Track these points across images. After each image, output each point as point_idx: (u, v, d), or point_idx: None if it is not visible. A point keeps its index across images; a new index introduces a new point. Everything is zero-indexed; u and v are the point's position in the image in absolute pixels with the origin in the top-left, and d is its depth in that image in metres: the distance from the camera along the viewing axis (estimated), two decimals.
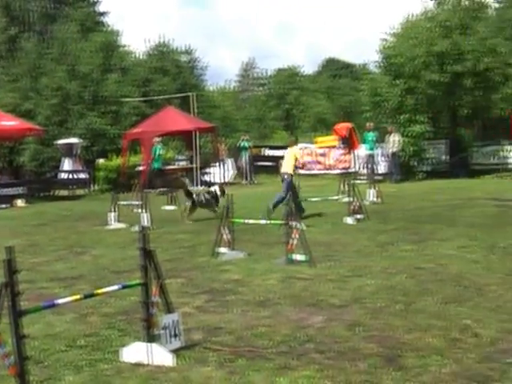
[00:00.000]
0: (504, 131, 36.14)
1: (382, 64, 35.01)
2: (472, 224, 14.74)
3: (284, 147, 37.29)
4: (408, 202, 20.39)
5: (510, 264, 10.17)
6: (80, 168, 32.58)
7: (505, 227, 14.13)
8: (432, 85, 31.90)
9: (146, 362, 6.21)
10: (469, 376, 5.63)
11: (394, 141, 30.40)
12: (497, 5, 40.16)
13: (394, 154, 30.42)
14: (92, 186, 31.55)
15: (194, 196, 18.09)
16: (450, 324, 7.08)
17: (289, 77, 65.74)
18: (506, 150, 33.29)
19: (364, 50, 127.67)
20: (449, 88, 32.56)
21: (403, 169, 31.02)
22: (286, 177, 17.57)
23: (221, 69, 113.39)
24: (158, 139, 29.19)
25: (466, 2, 34.14)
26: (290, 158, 17.85)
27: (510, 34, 34.88)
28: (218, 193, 18.51)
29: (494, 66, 31.98)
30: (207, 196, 18.29)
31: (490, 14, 37.30)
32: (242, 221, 12.63)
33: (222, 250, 11.72)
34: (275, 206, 16.91)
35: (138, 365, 6.18)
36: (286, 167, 17.69)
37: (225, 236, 11.70)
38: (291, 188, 17.17)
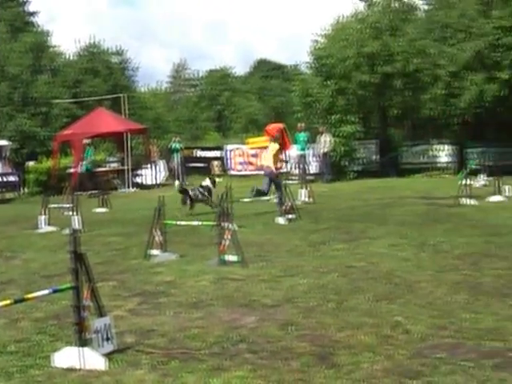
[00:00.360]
0: (433, 131, 36.81)
1: (313, 65, 35.29)
2: (402, 222, 14.97)
3: (216, 148, 37.45)
4: (339, 201, 20.59)
5: (440, 261, 10.35)
6: (9, 171, 31.89)
7: (434, 225, 14.41)
8: (362, 85, 32.29)
9: (78, 367, 6.10)
10: (400, 372, 5.69)
11: (326, 141, 30.66)
12: (426, 7, 40.80)
13: (325, 154, 30.68)
14: (22, 189, 30.96)
15: (190, 192, 18.62)
16: (382, 321, 7.14)
17: (220, 78, 65.71)
18: (435, 150, 33.90)
19: (295, 51, 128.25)
20: (379, 89, 32.99)
21: (334, 169, 31.31)
22: (268, 173, 18.11)
23: (152, 70, 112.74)
24: (88, 141, 28.87)
25: (396, 4, 34.64)
26: (270, 153, 18.35)
27: (438, 35, 35.49)
28: (210, 185, 19.20)
29: (423, 66, 32.55)
30: (201, 190, 18.99)
31: (419, 16, 37.95)
32: (174, 222, 12.56)
33: (154, 252, 11.62)
34: (256, 194, 18.19)
35: (69, 370, 6.07)
36: (267, 162, 18.23)
37: (157, 238, 11.61)
38: (274, 180, 17.87)
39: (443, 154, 33.79)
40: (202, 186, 19.19)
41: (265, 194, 18.14)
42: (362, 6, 35.76)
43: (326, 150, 30.65)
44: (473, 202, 18.72)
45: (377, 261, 10.48)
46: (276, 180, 17.96)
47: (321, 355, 6.19)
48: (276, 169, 18.27)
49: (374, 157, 34.27)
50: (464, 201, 18.73)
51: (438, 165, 33.48)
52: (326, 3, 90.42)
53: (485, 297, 8.04)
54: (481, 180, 25.59)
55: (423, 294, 8.30)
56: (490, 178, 23.65)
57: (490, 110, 32.34)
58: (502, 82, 29.07)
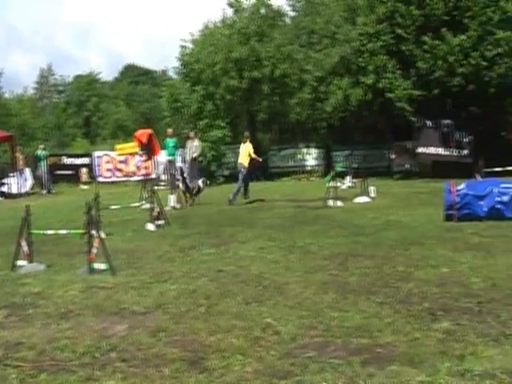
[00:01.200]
0: (300, 134, 37.50)
1: (181, 70, 35.26)
2: (271, 225, 15.14)
3: (84, 155, 36.79)
4: (209, 206, 20.62)
5: (308, 262, 10.50)
6: None
7: (302, 227, 14.63)
8: (231, 90, 32.54)
9: None
10: (271, 373, 5.73)
11: (194, 146, 30.64)
12: (293, 13, 41.58)
13: (194, 159, 30.65)
14: None
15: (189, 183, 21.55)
16: (252, 323, 7.17)
17: (88, 83, 64.81)
18: (303, 153, 34.53)
19: (164, 56, 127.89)
20: (247, 94, 33.33)
21: (203, 174, 31.33)
22: (242, 169, 21.73)
23: (17, 76, 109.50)
24: None
25: (264, 10, 35.05)
26: (245, 152, 21.82)
27: (305, 41, 36.24)
28: (201, 185, 22.06)
29: (290, 72, 33.12)
30: (196, 185, 21.82)
31: (286, 22, 38.59)
32: (41, 232, 12.22)
33: (21, 262, 11.26)
34: (235, 195, 20.99)
35: None
36: (242, 160, 21.86)
37: (24, 248, 11.26)
38: (246, 177, 21.63)
39: (310, 157, 34.51)
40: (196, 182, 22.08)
41: (240, 189, 21.60)
42: (230, 12, 36.09)
43: (194, 155, 30.64)
44: (339, 203, 19.18)
45: (246, 264, 10.53)
46: (245, 176, 21.64)
47: (192, 360, 6.15)
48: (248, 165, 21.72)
49: None
50: (331, 203, 19.16)
51: (306, 168, 34.15)
52: (195, 9, 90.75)
53: (352, 295, 8.22)
54: (347, 182, 26.28)
55: (292, 295, 8.39)
56: (356, 180, 24.32)
57: (355, 114, 33.30)
58: (367, 87, 29.90)
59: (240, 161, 22.22)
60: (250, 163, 22.14)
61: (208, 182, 23.29)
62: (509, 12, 27.55)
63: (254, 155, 22.22)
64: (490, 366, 5.64)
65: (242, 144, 22.70)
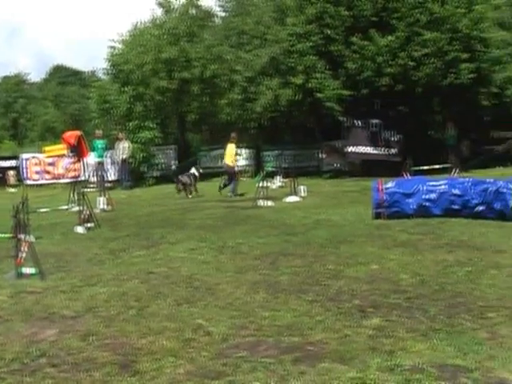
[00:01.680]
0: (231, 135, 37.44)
1: (110, 71, 34.90)
2: (202, 226, 15.10)
3: (11, 157, 36.06)
4: (139, 207, 20.47)
5: (239, 262, 10.52)
6: None
7: (233, 227, 14.64)
8: (160, 91, 32.38)
9: None
10: (203, 373, 5.73)
11: (124, 147, 30.44)
12: (223, 14, 41.56)
13: (124, 160, 30.46)
14: None
15: (181, 178, 23.30)
16: (183, 325, 7.15)
17: (15, 84, 63.66)
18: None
19: (92, 57, 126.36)
20: (177, 94, 33.22)
21: (133, 175, 31.16)
22: (228, 169, 23.90)
23: None
24: None
25: (194, 11, 34.95)
26: (229, 151, 23.75)
27: (235, 41, 36.26)
28: (197, 173, 24.02)
29: (220, 72, 33.13)
30: (190, 177, 23.60)
31: (216, 23, 38.55)
32: None
33: None
34: (234, 190, 23.03)
35: None
36: (226, 160, 24.09)
37: None
38: (233, 174, 23.65)
39: (241, 157, 34.53)
40: (188, 176, 23.56)
41: (229, 184, 23.57)
42: (159, 12, 35.86)
43: (124, 156, 30.43)
44: (270, 203, 19.25)
45: (177, 265, 10.49)
46: (233, 175, 23.49)
47: (123, 363, 6.10)
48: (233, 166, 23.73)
49: (172, 162, 34.44)
50: (261, 202, 19.21)
51: (236, 168, 34.15)
52: (124, 9, 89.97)
53: (283, 294, 8.27)
54: (277, 182, 26.39)
55: (223, 295, 8.40)
56: (286, 180, 24.47)
57: (285, 114, 33.42)
58: (296, 87, 30.06)
59: (224, 161, 24.47)
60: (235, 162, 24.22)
61: (201, 170, 25.52)
62: (436, 13, 28.05)
63: (233, 157, 24.04)
64: (419, 361, 5.75)
65: (228, 144, 24.21)
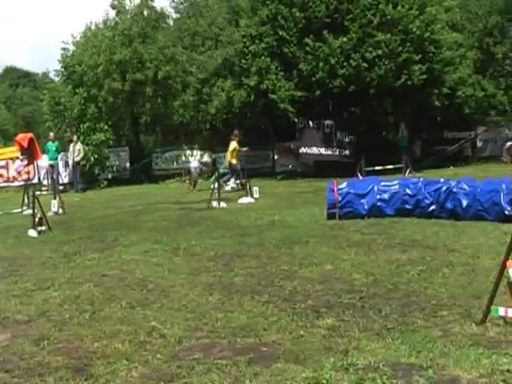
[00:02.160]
0: (184, 136, 37.44)
1: (63, 73, 34.62)
2: (156, 228, 15.05)
3: None
4: (92, 210, 20.31)
5: (193, 264, 10.49)
6: None
7: (187, 229, 14.60)
8: (113, 93, 32.21)
9: None
10: (157, 376, 5.69)
11: (77, 150, 30.17)
12: (176, 15, 41.47)
13: (77, 163, 30.18)
14: None
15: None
16: (137, 328, 7.10)
17: None
18: (187, 155, 34.48)
19: (45, 58, 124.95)
20: (130, 96, 33.08)
21: (86, 177, 30.89)
22: (230, 165, 24.86)
23: None
24: None
25: (147, 12, 34.81)
26: (230, 149, 24.62)
27: (189, 43, 36.21)
28: (209, 160, 26.94)
29: (173, 74, 33.00)
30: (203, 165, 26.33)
31: (169, 24, 38.45)
32: None
33: None
34: (226, 180, 24.54)
35: None
36: (229, 157, 24.88)
37: None
38: (236, 170, 24.70)
39: (194, 158, 34.47)
40: (202, 163, 25.78)
41: (233, 176, 24.97)
42: (112, 13, 35.64)
43: (77, 159, 30.15)
44: (223, 204, 19.24)
45: (131, 268, 10.42)
46: (237, 170, 24.54)
47: (77, 367, 6.04)
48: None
49: (126, 164, 34.27)
50: (215, 204, 19.19)
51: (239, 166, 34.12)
52: (76, 10, 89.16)
53: (237, 296, 8.27)
54: (231, 183, 26.37)
55: (177, 297, 8.37)
56: (240, 181, 24.49)
57: (238, 115, 33.46)
58: (250, 88, 30.10)
59: (227, 159, 25.40)
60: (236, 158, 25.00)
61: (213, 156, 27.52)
62: (388, 15, 28.31)
63: (231, 154, 24.87)
64: (373, 360, 5.78)
65: (231, 142, 25.08)
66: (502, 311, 6.52)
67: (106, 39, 32.86)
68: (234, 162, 24.77)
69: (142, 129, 38.54)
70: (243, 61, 30.28)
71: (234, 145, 24.87)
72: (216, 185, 19.82)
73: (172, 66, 33.10)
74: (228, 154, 25.02)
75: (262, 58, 29.59)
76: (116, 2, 35.07)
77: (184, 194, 24.10)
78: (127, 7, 35.06)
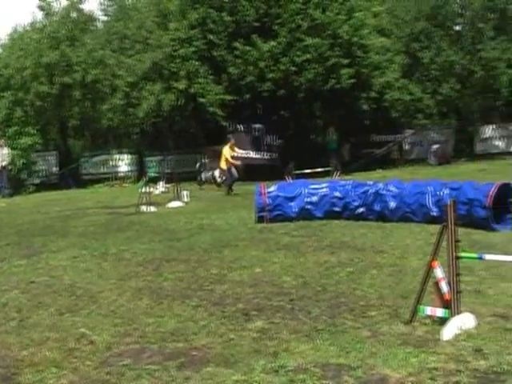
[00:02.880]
0: (113, 140, 37.15)
1: None
2: (84, 233, 14.87)
3: None
4: (19, 215, 19.94)
5: (122, 269, 10.41)
6: None
7: (116, 234, 14.47)
8: (41, 96, 31.73)
9: None
10: (86, 383, 5.65)
11: (3, 154, 29.62)
12: (105, 18, 41.07)
13: (3, 167, 29.60)
14: None
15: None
16: (66, 335, 7.02)
17: None
18: (116, 159, 34.23)
19: None
20: (58, 99, 32.65)
21: (13, 182, 30.34)
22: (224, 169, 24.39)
23: None
24: None
25: (75, 14, 34.38)
26: (223, 154, 24.35)
27: (117, 46, 35.89)
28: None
29: (102, 77, 32.66)
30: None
31: (98, 27, 38.06)
32: None
33: None
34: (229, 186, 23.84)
35: None
36: (221, 162, 24.63)
37: None
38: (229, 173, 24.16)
39: (123, 163, 34.25)
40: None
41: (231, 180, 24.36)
42: (40, 15, 35.07)
43: (3, 163, 29.59)
44: (153, 209, 19.15)
45: (59, 274, 10.28)
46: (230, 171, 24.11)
47: (4, 376, 5.94)
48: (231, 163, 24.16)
49: (53, 169, 33.80)
50: (144, 208, 19.07)
51: (119, 174, 33.85)
52: (2, 12, 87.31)
53: (167, 300, 8.24)
54: (160, 187, 26.28)
55: (106, 303, 8.30)
56: (169, 185, 24.44)
57: (167, 119, 33.36)
58: (179, 92, 30.00)
59: (220, 165, 24.96)
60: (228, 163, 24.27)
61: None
62: (317, 20, 28.57)
63: (229, 158, 24.34)
64: (303, 361, 5.84)
65: (224, 148, 24.70)
66: (428, 310, 6.66)
67: (34, 42, 32.32)
68: (224, 167, 24.57)
69: (71, 133, 38.05)
70: (172, 64, 30.16)
71: (227, 150, 24.58)
72: (145, 189, 19.69)
73: (100, 70, 32.73)
74: (223, 158, 24.56)
75: (191, 61, 29.53)
76: (44, 4, 34.50)
77: (113, 199, 23.87)
78: (55, 9, 34.56)
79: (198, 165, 26.39)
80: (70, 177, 32.87)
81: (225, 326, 7.07)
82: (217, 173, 26.56)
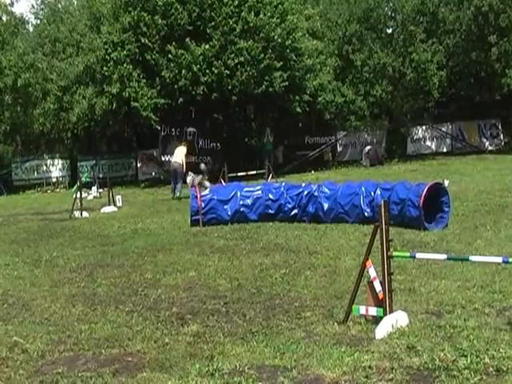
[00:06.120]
0: (45, 145, 36.65)
1: None
2: (16, 240, 14.63)
3: None
4: None
5: (55, 276, 10.28)
6: None
7: (48, 240, 14.28)
8: None
9: None
10: None
11: None
12: (36, 21, 40.50)
13: None
14: None
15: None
16: None
17: None
18: (48, 164, 33.76)
19: None
20: None
21: None
22: (175, 166, 23.96)
23: None
24: None
25: (5, 17, 33.84)
26: (181, 154, 24.20)
27: (49, 49, 35.41)
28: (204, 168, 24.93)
29: (33, 81, 32.19)
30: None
31: (29, 30, 37.53)
32: None
33: None
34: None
35: None
36: (178, 160, 24.13)
37: None
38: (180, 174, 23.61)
39: (56, 168, 33.80)
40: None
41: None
42: None
43: None
44: (86, 214, 18.94)
45: None
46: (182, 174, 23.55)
47: None
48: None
49: None
50: (77, 214, 18.84)
51: (51, 179, 33.39)
52: None
53: (101, 306, 8.17)
54: (93, 192, 26.01)
55: (39, 310, 8.18)
56: (102, 190, 24.21)
57: (100, 123, 33.01)
58: (112, 96, 29.70)
59: (176, 161, 24.36)
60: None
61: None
62: (250, 23, 28.62)
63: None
64: (239, 364, 5.86)
65: (179, 147, 24.70)
66: (363, 310, 6.75)
67: None
68: (181, 163, 24.22)
69: (1, 138, 37.37)
70: (105, 68, 29.85)
71: (184, 150, 24.63)
72: (78, 194, 19.46)
73: (32, 73, 32.26)
74: (180, 158, 24.29)
75: (124, 65, 29.28)
76: None
77: (45, 205, 23.53)
78: None
79: (202, 167, 25.18)
80: (1, 183, 32.29)
81: (160, 330, 7.04)
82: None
